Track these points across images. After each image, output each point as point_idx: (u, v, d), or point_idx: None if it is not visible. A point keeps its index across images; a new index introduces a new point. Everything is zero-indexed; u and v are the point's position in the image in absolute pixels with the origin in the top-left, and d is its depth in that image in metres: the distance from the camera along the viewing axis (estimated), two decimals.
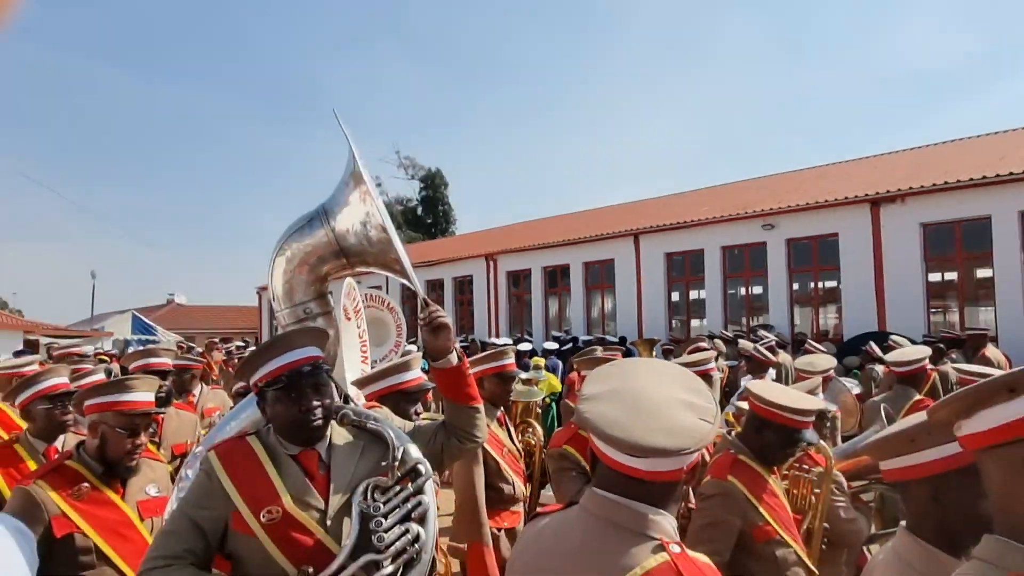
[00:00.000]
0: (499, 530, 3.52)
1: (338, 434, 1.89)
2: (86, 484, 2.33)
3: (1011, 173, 10.82)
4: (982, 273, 12.27)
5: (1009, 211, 10.95)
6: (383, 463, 1.83)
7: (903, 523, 1.51)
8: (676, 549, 1.23)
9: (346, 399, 2.09)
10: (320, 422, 1.80)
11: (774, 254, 14.20)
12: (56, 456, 2.95)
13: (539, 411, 6.60)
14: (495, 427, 3.62)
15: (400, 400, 2.82)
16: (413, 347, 7.86)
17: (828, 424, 3.34)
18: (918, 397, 4.58)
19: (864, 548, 3.16)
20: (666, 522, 1.26)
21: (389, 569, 1.65)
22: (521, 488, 3.68)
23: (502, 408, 3.83)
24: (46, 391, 3.06)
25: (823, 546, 2.84)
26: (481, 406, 2.07)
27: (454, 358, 1.99)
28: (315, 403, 1.79)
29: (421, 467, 1.83)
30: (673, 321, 16.65)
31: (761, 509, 2.45)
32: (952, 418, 1.12)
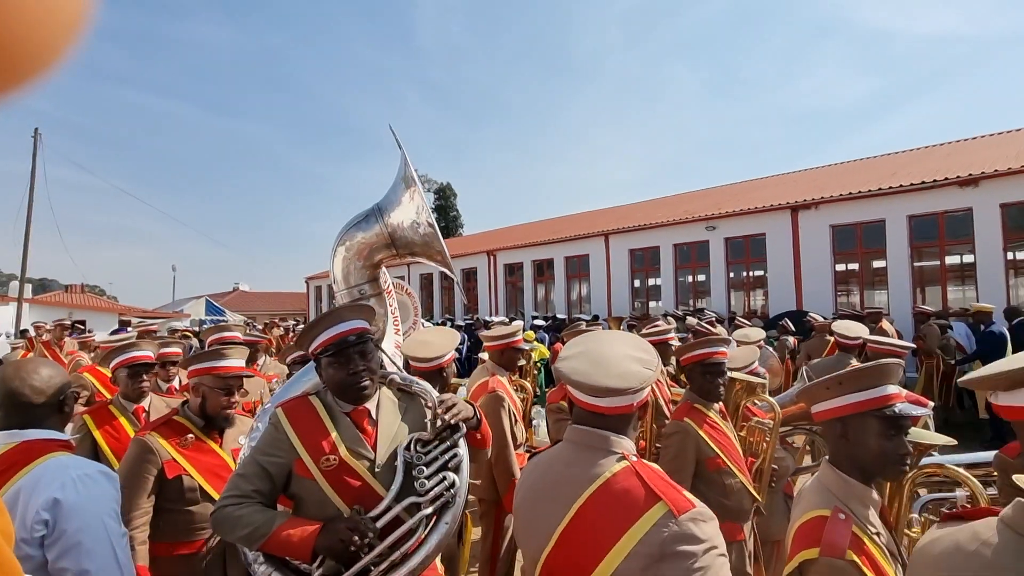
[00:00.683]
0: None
1: (385, 395, 1.82)
2: (190, 435, 2.30)
3: (900, 185, 10.89)
4: (878, 264, 12.32)
5: (900, 215, 11.00)
6: (424, 420, 1.78)
7: (826, 457, 1.56)
8: (634, 458, 1.30)
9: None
10: (366, 383, 1.72)
11: (715, 250, 14.22)
12: (144, 414, 2.93)
13: (536, 372, 6.58)
14: (506, 382, 3.54)
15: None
16: (428, 323, 7.92)
17: (763, 382, 3.38)
18: (854, 363, 4.60)
19: (790, 479, 3.20)
20: (625, 442, 1.34)
21: (428, 511, 1.60)
22: (523, 432, 3.61)
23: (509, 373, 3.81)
24: (129, 360, 2.99)
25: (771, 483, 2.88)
26: (487, 450, 1.96)
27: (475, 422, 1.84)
28: (361, 367, 1.71)
29: (438, 400, 1.78)
30: (635, 303, 16.67)
31: (711, 444, 2.48)
32: (992, 388, 1.14)
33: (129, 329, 9.24)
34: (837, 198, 11.80)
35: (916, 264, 11.23)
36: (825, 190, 12.72)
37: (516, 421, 3.46)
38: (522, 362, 4.95)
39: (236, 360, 2.39)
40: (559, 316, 14.78)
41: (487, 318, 14.56)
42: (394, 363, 1.99)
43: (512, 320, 13.21)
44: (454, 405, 1.76)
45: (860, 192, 11.38)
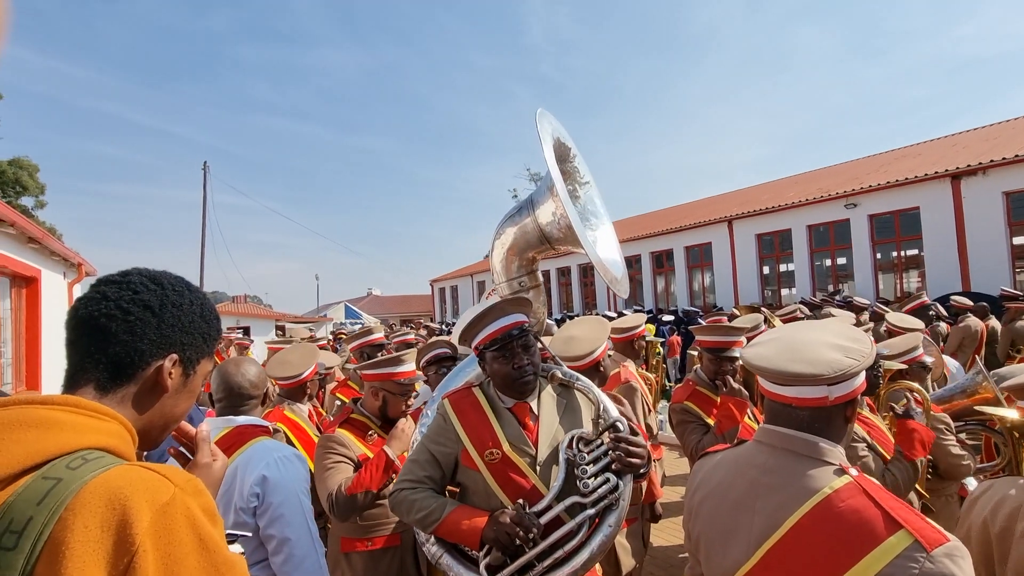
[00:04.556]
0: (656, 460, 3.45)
1: (546, 391, 1.79)
2: (372, 431, 2.38)
3: None
4: None
5: None
6: (590, 418, 1.75)
7: None
8: (855, 472, 1.16)
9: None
10: (530, 378, 1.71)
11: (857, 229, 12.88)
12: (319, 415, 3.15)
13: (664, 366, 6.46)
14: (636, 373, 3.52)
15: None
16: (553, 323, 7.93)
17: (928, 373, 3.03)
18: None
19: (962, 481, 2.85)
20: (838, 451, 1.20)
21: (591, 512, 1.56)
22: (657, 423, 3.52)
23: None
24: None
25: (929, 475, 2.60)
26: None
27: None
28: (525, 361, 1.69)
29: (620, 424, 1.70)
30: (766, 291, 15.61)
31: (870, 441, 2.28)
32: None
33: (282, 334, 10.37)
34: (1012, 160, 10.16)
35: None
36: (995, 152, 11.01)
37: (648, 411, 3.42)
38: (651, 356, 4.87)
39: (409, 365, 2.47)
40: (689, 309, 14.19)
41: (605, 312, 14.43)
42: (551, 352, 1.96)
43: (635, 313, 12.99)
44: (636, 449, 1.64)
45: None
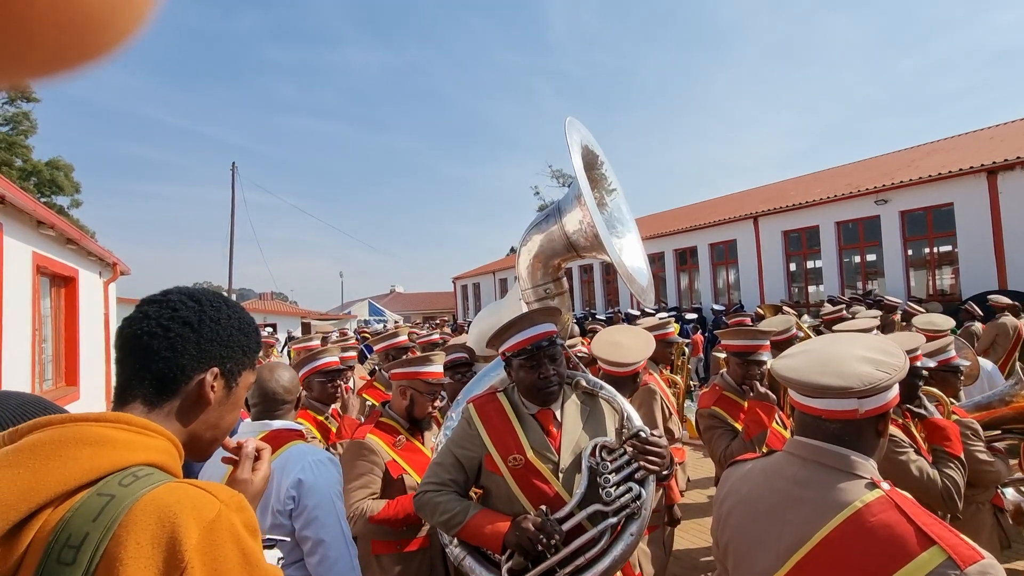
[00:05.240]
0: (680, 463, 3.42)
1: (570, 398, 1.81)
2: (401, 435, 2.37)
3: None
4: None
5: None
6: (613, 427, 1.76)
7: None
8: (887, 486, 1.15)
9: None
10: (555, 387, 1.73)
11: (888, 225, 12.56)
12: (339, 417, 3.09)
13: (688, 367, 6.42)
14: (658, 377, 3.47)
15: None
16: (575, 323, 7.91)
17: (961, 377, 2.95)
18: None
19: (998, 489, 2.78)
20: (870, 464, 1.19)
21: (613, 520, 1.57)
22: (679, 427, 3.48)
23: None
24: (322, 367, 3.10)
25: None
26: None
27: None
28: (552, 371, 1.72)
29: (643, 433, 1.71)
30: (792, 288, 15.34)
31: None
32: None
33: (312, 332, 10.53)
34: None
35: None
36: None
37: (670, 415, 3.40)
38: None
39: (438, 366, 2.48)
40: (715, 307, 14.01)
41: (629, 311, 14.35)
42: (576, 361, 1.98)
43: (657, 312, 12.91)
44: (658, 451, 1.66)
45: None
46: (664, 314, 12.05)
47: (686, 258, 18.47)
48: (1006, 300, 7.00)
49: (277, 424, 1.87)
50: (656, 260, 19.38)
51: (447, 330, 11.30)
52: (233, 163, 22.32)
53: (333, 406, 3.23)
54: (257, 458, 1.14)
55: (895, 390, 1.23)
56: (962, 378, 2.88)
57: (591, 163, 2.18)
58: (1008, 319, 6.43)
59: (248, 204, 57.65)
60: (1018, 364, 2.84)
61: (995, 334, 6.32)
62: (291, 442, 1.80)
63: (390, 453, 2.30)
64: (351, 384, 4.45)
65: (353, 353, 4.69)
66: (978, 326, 6.89)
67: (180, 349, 0.90)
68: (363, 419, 3.14)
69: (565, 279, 2.25)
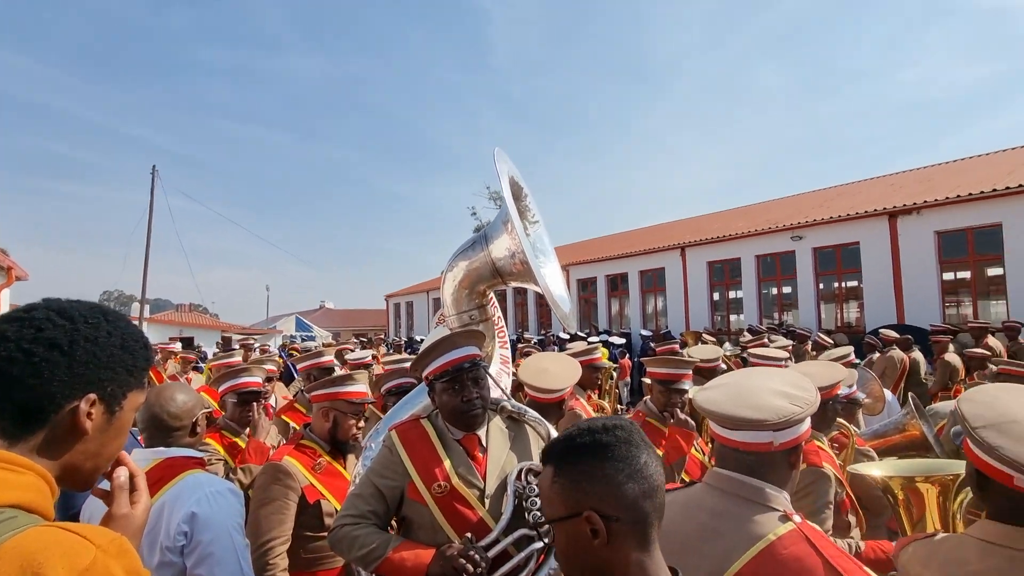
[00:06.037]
0: None
1: (495, 423, 1.79)
2: (322, 459, 2.27)
3: (1020, 185, 9.82)
4: (993, 272, 11.23)
5: (1020, 218, 9.94)
6: (538, 451, 1.72)
7: (984, 514, 1.25)
8: (798, 519, 1.18)
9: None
10: (479, 411, 1.71)
11: (802, 260, 13.49)
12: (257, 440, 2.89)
13: (616, 391, 6.52)
14: (584, 402, 3.48)
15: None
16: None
17: (859, 409, 3.16)
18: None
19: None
20: (783, 497, 1.22)
21: (539, 545, 1.56)
22: None
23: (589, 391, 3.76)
24: (239, 387, 2.91)
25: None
26: None
27: None
28: (474, 394, 1.70)
29: None
30: (716, 316, 16.08)
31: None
32: None
33: (234, 346, 10.00)
34: (944, 201, 10.88)
35: None
36: (929, 193, 11.78)
37: None
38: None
39: (362, 385, 2.40)
40: (642, 332, 14.45)
41: (560, 334, 14.54)
42: (500, 386, 1.97)
43: (587, 336, 13.15)
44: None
45: (972, 194, 10.44)
46: (595, 338, 12.30)
47: (617, 284, 19.01)
48: (894, 334, 7.64)
49: (172, 452, 1.72)
50: (589, 285, 19.83)
51: (382, 349, 10.99)
52: (153, 166, 21.04)
53: (246, 430, 2.97)
54: (134, 488, 0.98)
55: (807, 423, 1.27)
56: (860, 409, 3.10)
57: (516, 194, 2.22)
58: (895, 352, 7.00)
59: (172, 211, 54.40)
60: (911, 395, 3.07)
61: (884, 366, 6.85)
62: (186, 471, 1.66)
63: (308, 477, 2.18)
64: (272, 402, 4.20)
65: (272, 366, 4.42)
66: (878, 356, 7.46)
67: (47, 375, 0.79)
68: (279, 443, 2.94)
69: (492, 305, 2.25)
